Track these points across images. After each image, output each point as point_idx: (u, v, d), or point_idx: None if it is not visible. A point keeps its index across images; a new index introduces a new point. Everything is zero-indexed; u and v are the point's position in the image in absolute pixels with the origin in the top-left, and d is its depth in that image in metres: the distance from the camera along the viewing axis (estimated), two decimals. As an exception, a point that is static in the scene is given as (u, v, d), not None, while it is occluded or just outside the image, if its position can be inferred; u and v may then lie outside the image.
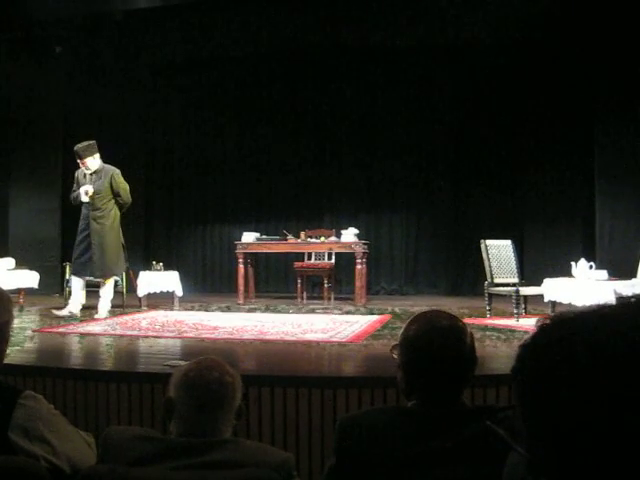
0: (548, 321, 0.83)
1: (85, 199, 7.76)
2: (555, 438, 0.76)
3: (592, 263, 6.99)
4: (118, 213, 7.97)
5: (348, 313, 8.41)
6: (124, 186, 7.92)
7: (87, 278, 7.98)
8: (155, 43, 10.92)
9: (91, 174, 7.84)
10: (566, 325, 0.80)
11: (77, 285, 7.93)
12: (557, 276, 7.17)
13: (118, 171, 7.95)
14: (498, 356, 4.98)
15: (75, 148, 7.82)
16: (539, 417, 0.78)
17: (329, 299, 9.86)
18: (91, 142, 7.89)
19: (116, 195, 7.87)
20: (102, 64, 11.48)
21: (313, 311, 8.62)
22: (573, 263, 7.02)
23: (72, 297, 7.91)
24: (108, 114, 11.88)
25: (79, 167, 7.95)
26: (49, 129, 11.08)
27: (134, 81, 12.11)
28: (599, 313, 0.80)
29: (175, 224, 12.43)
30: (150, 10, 9.88)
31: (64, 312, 7.66)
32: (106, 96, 11.73)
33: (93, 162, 7.84)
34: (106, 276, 7.93)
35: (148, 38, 10.83)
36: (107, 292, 7.96)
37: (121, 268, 8.19)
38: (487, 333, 6.17)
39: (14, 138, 11.10)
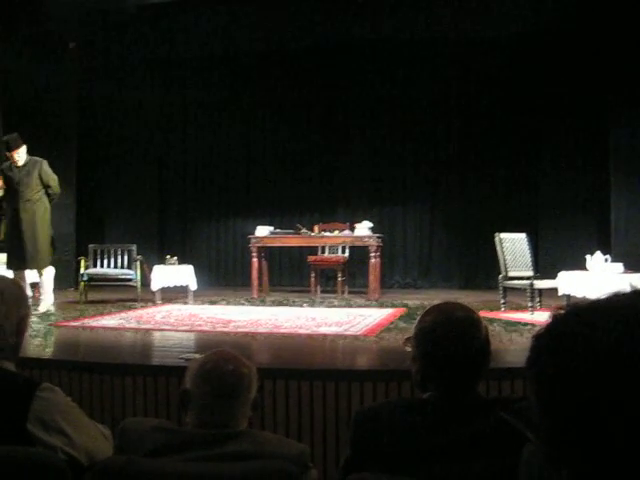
0: (562, 311, 0.83)
1: None
2: (573, 429, 0.76)
3: (608, 256, 6.95)
4: (48, 205, 7.78)
5: (362, 307, 8.41)
6: (54, 177, 7.76)
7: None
8: (169, 38, 10.93)
9: (18, 167, 7.63)
10: (581, 314, 0.80)
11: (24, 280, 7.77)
12: (572, 269, 7.13)
13: (46, 162, 7.77)
14: (513, 349, 4.97)
15: (7, 138, 7.66)
16: (556, 408, 0.78)
17: (343, 293, 9.86)
18: (15, 134, 7.71)
19: (46, 186, 7.71)
20: (115, 59, 11.52)
21: (327, 304, 8.62)
22: (588, 256, 6.98)
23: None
24: (122, 109, 11.93)
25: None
26: (63, 124, 11.12)
27: (148, 76, 12.15)
28: (613, 301, 0.80)
29: (189, 218, 12.46)
30: (164, 5, 9.89)
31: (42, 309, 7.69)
32: (120, 91, 11.79)
33: (22, 154, 7.64)
34: (41, 267, 7.76)
35: (162, 33, 10.85)
36: (48, 284, 7.81)
37: (51, 259, 7.91)
38: (502, 326, 6.15)
39: (28, 134, 11.14)
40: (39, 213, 7.67)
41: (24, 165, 7.65)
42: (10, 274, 7.40)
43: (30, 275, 8.03)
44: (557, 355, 0.78)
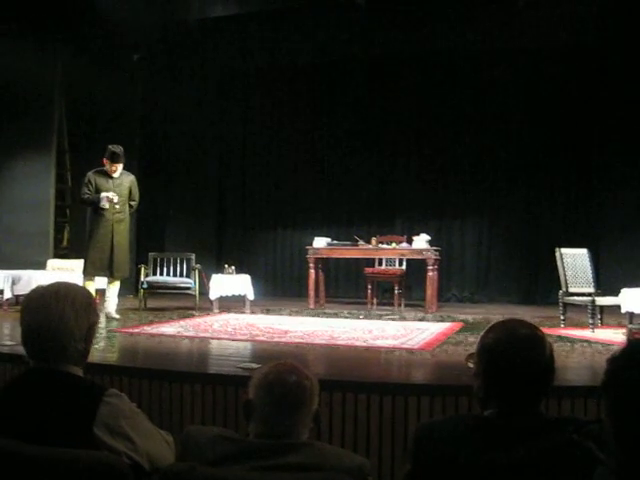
0: (638, 336, 0.82)
1: (106, 206, 7.71)
2: None
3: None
4: None
5: (419, 320, 8.36)
6: (138, 193, 8.14)
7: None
8: (230, 49, 11.11)
9: (113, 178, 7.86)
10: None
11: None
12: (635, 286, 6.97)
13: (134, 177, 8.14)
14: (573, 367, 4.89)
15: (116, 150, 7.79)
16: (631, 430, 0.77)
17: (399, 305, 9.82)
18: (121, 148, 7.89)
19: (131, 200, 8.04)
20: (178, 70, 11.75)
21: (384, 317, 8.59)
22: (652, 273, 6.83)
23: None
24: (184, 119, 12.13)
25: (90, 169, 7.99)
26: (125, 134, 11.33)
27: (209, 87, 12.35)
28: None
29: (247, 228, 12.58)
30: (225, 18, 10.06)
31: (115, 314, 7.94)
32: (182, 102, 12.00)
33: (120, 167, 7.91)
34: (124, 276, 8.12)
35: (223, 45, 11.03)
36: (117, 292, 8.07)
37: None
38: (562, 343, 6.04)
39: (91, 142, 11.40)
40: (128, 225, 8.10)
41: (118, 177, 7.92)
42: (77, 280, 7.62)
43: (98, 281, 8.25)
44: (633, 378, 0.77)
